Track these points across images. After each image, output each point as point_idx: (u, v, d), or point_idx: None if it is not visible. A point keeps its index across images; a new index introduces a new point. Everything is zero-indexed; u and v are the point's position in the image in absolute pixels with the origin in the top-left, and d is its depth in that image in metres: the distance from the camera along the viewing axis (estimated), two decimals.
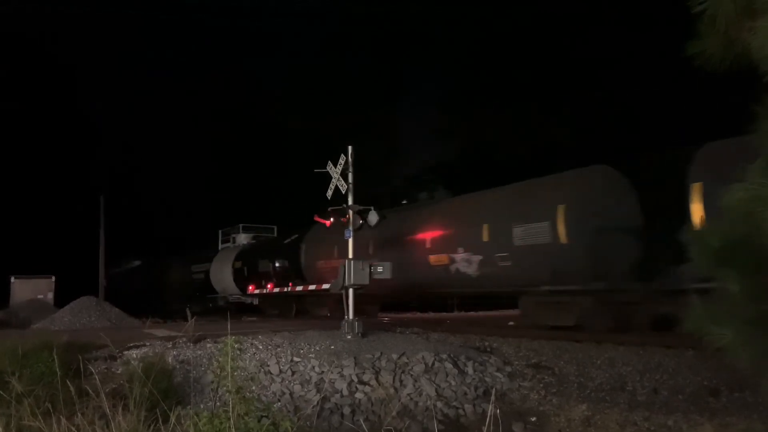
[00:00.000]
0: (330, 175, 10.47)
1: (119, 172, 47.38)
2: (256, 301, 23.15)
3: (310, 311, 19.57)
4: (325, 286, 16.89)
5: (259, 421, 4.02)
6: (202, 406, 6.00)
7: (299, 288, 20.41)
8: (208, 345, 9.07)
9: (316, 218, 11.53)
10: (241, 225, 26.57)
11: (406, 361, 8.21)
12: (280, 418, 4.13)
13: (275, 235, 26.40)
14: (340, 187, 10.35)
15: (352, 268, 9.97)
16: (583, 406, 6.78)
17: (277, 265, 20.90)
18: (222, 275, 24.73)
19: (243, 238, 26.13)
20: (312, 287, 20.25)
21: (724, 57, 3.00)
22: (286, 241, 21.02)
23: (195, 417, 4.00)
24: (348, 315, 9.95)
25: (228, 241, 27.05)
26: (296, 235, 20.90)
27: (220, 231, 27.76)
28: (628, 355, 8.78)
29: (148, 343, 9.46)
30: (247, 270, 22.95)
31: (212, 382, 7.04)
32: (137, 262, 38.98)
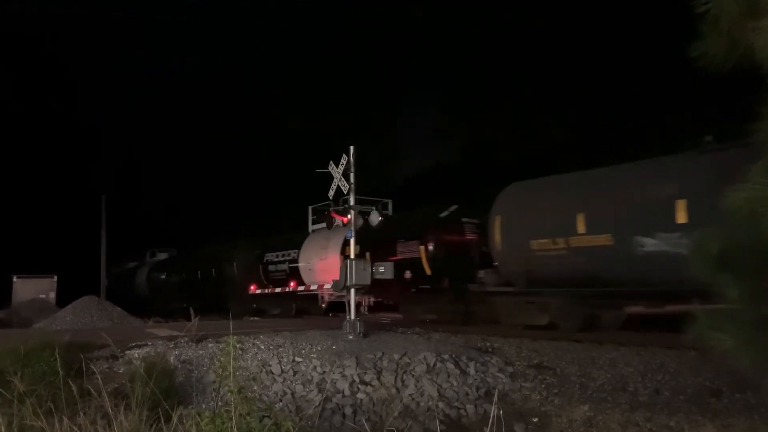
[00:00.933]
0: (332, 175, 10.46)
1: (120, 172, 47.39)
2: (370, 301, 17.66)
3: (493, 317, 13.41)
4: (326, 286, 16.49)
5: (260, 421, 4.02)
6: (204, 406, 6.02)
7: (301, 288, 18.85)
8: (210, 345, 9.08)
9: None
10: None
11: (408, 361, 8.21)
12: (282, 418, 4.13)
13: (389, 211, 18.97)
14: (342, 187, 10.34)
15: (354, 268, 9.97)
16: (585, 407, 6.78)
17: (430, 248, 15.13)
18: (323, 265, 18.61)
19: None
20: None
21: (727, 57, 2.99)
22: (442, 215, 15.60)
23: (197, 417, 4.00)
24: (350, 315, 9.95)
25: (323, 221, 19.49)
26: (455, 206, 15.78)
27: (310, 207, 20.67)
28: (629, 356, 8.76)
29: (149, 343, 9.48)
30: (372, 258, 15.84)
31: (214, 381, 7.07)
32: (163, 255, 32.29)
